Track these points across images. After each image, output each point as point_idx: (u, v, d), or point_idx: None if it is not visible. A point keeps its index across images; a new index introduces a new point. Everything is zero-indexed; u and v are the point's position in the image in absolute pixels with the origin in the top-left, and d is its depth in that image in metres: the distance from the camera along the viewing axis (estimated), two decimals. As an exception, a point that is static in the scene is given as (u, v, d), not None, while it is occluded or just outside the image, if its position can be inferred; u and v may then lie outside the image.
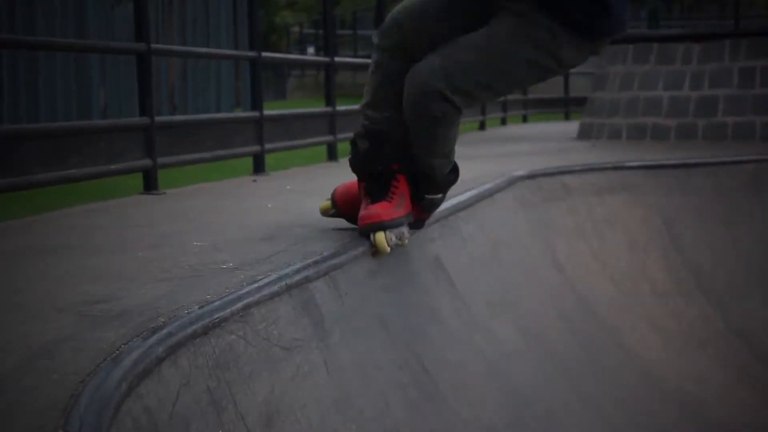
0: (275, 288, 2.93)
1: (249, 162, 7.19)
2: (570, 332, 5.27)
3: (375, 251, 3.61)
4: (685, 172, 7.59)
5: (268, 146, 7.06)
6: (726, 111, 10.29)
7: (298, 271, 3.13)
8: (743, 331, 6.62)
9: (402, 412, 3.27)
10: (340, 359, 3.09)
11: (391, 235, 3.59)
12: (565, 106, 17.42)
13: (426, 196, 3.80)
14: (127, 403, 2.09)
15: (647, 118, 10.76)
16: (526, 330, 4.78)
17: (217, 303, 2.65)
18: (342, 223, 4.16)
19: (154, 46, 5.82)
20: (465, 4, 3.55)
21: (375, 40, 3.74)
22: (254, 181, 6.60)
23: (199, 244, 3.70)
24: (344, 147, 8.97)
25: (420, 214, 3.86)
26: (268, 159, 7.26)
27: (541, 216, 6.12)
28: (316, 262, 3.27)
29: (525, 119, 16.46)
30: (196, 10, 13.93)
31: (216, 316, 2.58)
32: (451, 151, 3.72)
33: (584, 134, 11.47)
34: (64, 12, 11.25)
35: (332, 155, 8.32)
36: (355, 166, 3.71)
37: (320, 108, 8.53)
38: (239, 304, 2.70)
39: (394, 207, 3.61)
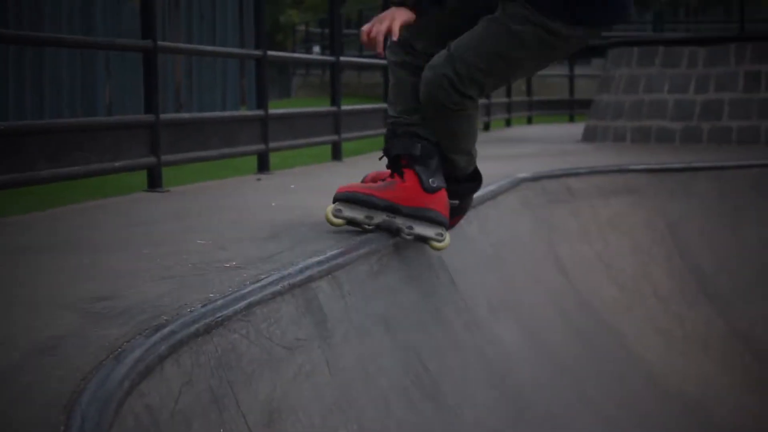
0: (278, 287, 2.93)
1: (253, 160, 7.20)
2: (572, 334, 5.27)
3: None
4: (690, 176, 7.59)
5: (272, 145, 7.06)
6: (731, 115, 10.28)
7: (301, 271, 3.13)
8: (746, 335, 6.61)
9: (403, 412, 3.27)
10: (342, 359, 3.09)
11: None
12: (570, 108, 17.41)
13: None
14: (129, 401, 2.09)
15: (652, 121, 10.75)
16: (528, 332, 4.78)
17: (220, 302, 2.66)
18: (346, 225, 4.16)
19: (160, 43, 5.82)
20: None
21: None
22: (258, 179, 6.61)
23: (202, 242, 3.71)
24: (348, 146, 8.99)
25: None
26: (273, 158, 7.26)
27: (545, 218, 6.12)
28: (319, 262, 3.27)
29: (530, 121, 16.45)
30: (202, 8, 13.92)
31: (219, 314, 2.58)
32: (472, 148, 3.86)
33: (589, 136, 11.46)
34: (71, 8, 11.25)
35: (337, 155, 8.32)
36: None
37: (325, 107, 8.53)
38: (242, 303, 2.71)
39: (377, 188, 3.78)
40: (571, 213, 6.45)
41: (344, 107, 8.42)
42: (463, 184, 3.93)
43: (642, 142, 10.67)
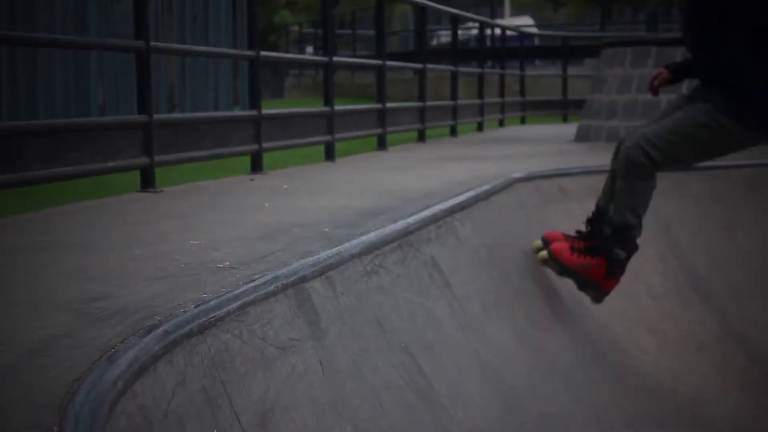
0: (271, 287, 2.93)
1: (247, 161, 7.19)
2: (566, 334, 5.28)
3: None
4: (683, 176, 7.58)
5: (265, 145, 7.06)
6: (724, 115, 10.28)
7: (294, 271, 3.13)
8: (740, 335, 6.61)
9: (397, 413, 3.27)
10: (336, 359, 3.09)
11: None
12: (564, 108, 17.40)
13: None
14: (123, 401, 2.09)
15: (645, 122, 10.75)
16: (521, 332, 4.78)
17: (213, 302, 2.66)
18: (339, 223, 4.17)
19: (153, 44, 5.81)
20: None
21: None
22: (252, 180, 6.60)
23: (195, 242, 3.70)
24: (341, 146, 8.97)
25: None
26: (266, 158, 7.26)
27: (538, 218, 6.12)
28: (312, 262, 3.27)
29: (523, 121, 16.44)
30: (195, 9, 13.91)
31: (212, 315, 2.58)
32: (642, 216, 4.87)
33: (582, 136, 11.47)
34: (64, 9, 11.23)
35: (330, 155, 8.32)
36: None
37: (318, 107, 8.52)
38: (235, 304, 2.70)
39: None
40: (565, 213, 6.44)
41: (337, 107, 8.41)
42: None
43: (635, 143, 10.66)
